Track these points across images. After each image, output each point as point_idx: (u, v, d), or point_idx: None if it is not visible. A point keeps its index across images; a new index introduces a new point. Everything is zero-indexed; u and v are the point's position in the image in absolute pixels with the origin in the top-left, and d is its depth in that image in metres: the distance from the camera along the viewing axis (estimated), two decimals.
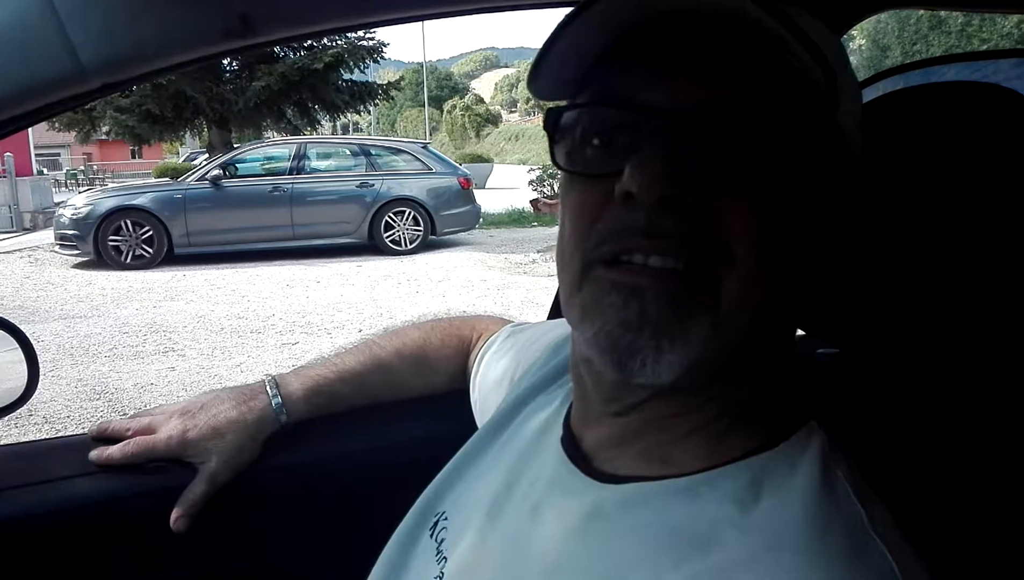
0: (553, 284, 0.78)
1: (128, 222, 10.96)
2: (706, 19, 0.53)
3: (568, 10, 0.56)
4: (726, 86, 0.53)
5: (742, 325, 0.55)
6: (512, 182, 21.25)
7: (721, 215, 0.53)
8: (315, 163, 12.17)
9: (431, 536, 0.74)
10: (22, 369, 0.99)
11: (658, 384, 0.55)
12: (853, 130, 0.60)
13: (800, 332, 0.86)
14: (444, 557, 0.70)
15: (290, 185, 11.56)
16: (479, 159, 27.64)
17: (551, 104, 0.62)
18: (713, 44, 0.53)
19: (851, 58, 0.65)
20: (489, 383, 0.97)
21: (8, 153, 16.85)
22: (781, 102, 0.53)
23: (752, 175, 0.53)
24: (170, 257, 11.09)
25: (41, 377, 1.02)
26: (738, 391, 0.59)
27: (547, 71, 0.59)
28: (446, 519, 0.74)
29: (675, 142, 0.53)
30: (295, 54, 17.21)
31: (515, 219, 15.50)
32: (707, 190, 0.53)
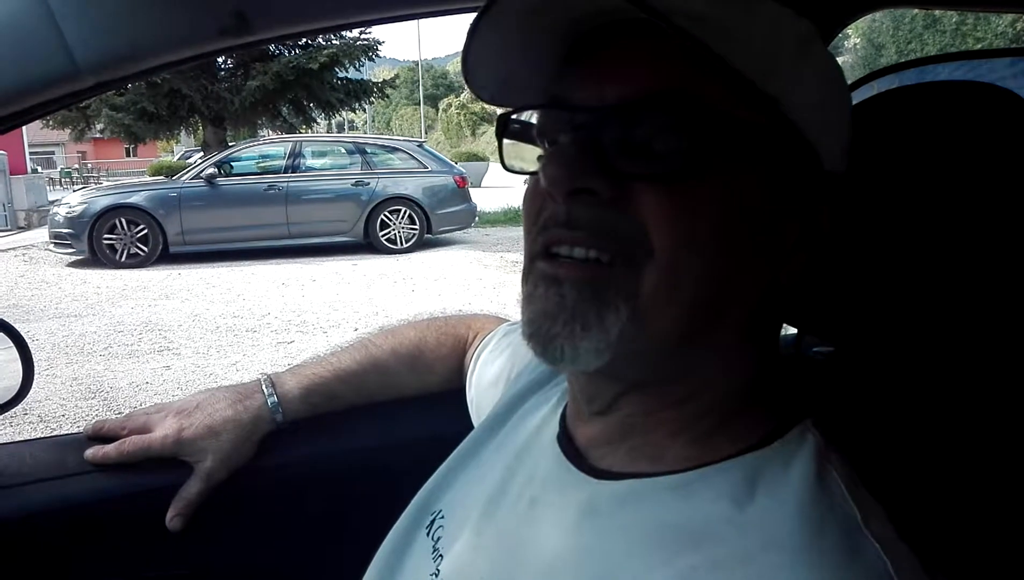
0: None
1: (123, 220, 10.93)
2: (632, 22, 0.55)
3: None
4: (650, 81, 0.54)
5: (673, 315, 0.55)
6: (508, 181, 21.16)
7: (639, 206, 0.54)
8: (310, 161, 12.14)
9: (427, 534, 0.74)
10: (17, 368, 0.99)
11: (580, 370, 0.57)
12: (819, 124, 0.58)
13: (794, 330, 0.86)
14: (440, 555, 0.70)
15: (285, 184, 11.53)
16: (475, 157, 27.61)
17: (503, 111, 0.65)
18: (643, 43, 0.55)
19: (845, 57, 0.66)
20: (485, 382, 0.97)
21: (2, 151, 16.81)
22: (703, 94, 0.54)
23: (669, 165, 0.53)
24: (165, 255, 11.06)
25: (36, 376, 1.02)
26: (715, 389, 0.59)
27: (484, 79, 0.63)
28: (442, 517, 0.75)
29: (594, 135, 0.55)
30: (290, 52, 17.17)
31: (511, 217, 15.48)
32: (625, 182, 0.54)
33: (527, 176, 0.63)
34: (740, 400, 0.60)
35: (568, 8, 0.55)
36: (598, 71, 0.57)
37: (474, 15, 0.56)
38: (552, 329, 0.55)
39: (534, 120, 0.62)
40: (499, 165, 0.67)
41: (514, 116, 0.64)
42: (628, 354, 0.55)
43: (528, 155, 0.63)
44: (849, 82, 0.69)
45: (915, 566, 0.51)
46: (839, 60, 0.66)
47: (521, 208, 0.62)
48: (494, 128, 0.65)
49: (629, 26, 0.55)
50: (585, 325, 0.54)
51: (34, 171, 23.22)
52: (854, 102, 0.67)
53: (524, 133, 0.64)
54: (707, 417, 0.59)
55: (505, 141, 0.65)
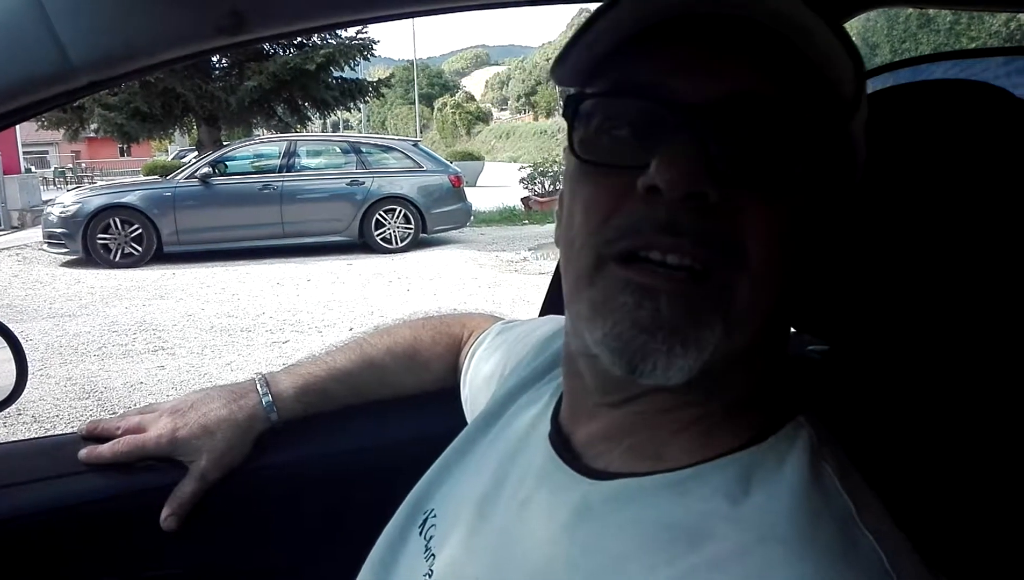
0: (544, 282, 0.78)
1: (117, 220, 10.91)
2: (737, 19, 0.52)
3: (561, 7, 0.56)
4: (753, 80, 0.52)
5: (752, 329, 0.55)
6: (503, 180, 21.23)
7: (740, 215, 0.52)
8: (305, 161, 12.14)
9: (420, 534, 0.74)
10: (10, 368, 0.99)
11: (668, 386, 0.55)
12: (861, 140, 0.60)
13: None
14: (433, 554, 0.70)
15: (280, 183, 11.52)
16: (470, 157, 27.60)
17: (567, 92, 0.60)
18: (739, 35, 0.52)
19: None
20: (479, 380, 0.97)
21: None
22: (805, 101, 0.53)
23: (773, 176, 0.53)
24: (159, 255, 11.04)
25: (30, 376, 1.01)
26: (734, 389, 0.59)
27: (574, 57, 0.57)
28: (435, 516, 0.74)
29: (701, 136, 0.52)
30: (286, 52, 17.14)
31: (506, 217, 15.50)
32: (729, 188, 0.52)
33: (600, 167, 0.57)
34: (745, 398, 0.60)
35: None
36: (696, 58, 0.53)
37: (467, 13, 0.56)
38: (649, 344, 0.52)
39: (615, 103, 0.57)
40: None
41: (595, 99, 0.58)
42: (710, 367, 0.54)
43: (609, 144, 0.57)
44: None
45: (911, 558, 0.52)
46: None
47: (571, 203, 0.59)
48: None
49: (718, 23, 0.53)
50: (684, 342, 0.52)
51: (28, 171, 23.14)
52: None
53: (609, 119, 0.57)
54: (715, 412, 0.59)
55: (580, 126, 0.59)
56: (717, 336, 0.52)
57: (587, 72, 0.58)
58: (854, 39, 0.53)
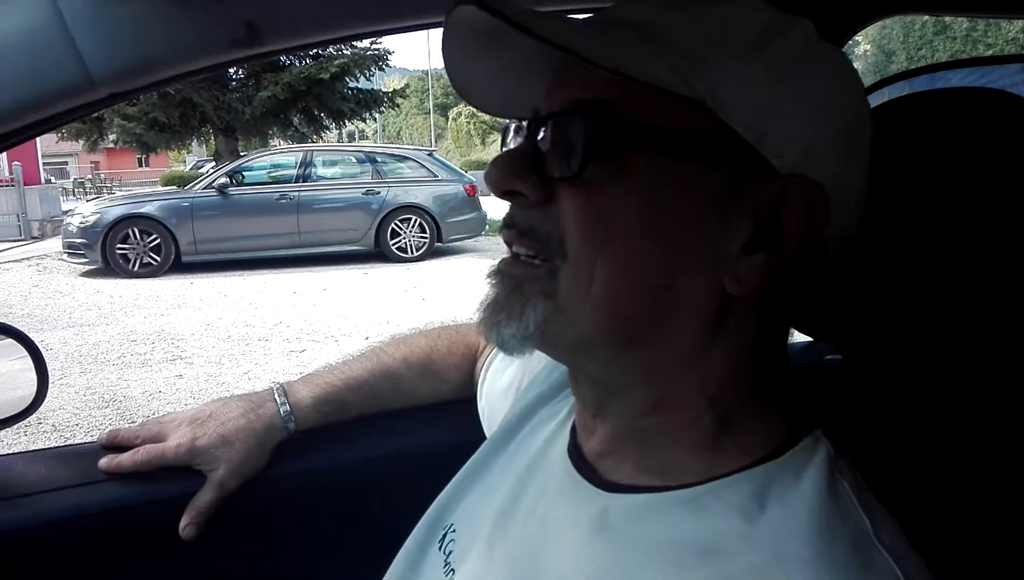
0: None
1: (136, 230, 10.99)
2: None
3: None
4: (580, 92, 0.57)
5: (594, 313, 0.56)
6: None
7: (559, 209, 0.57)
8: (321, 171, 12.19)
9: (440, 548, 0.74)
10: (31, 377, 0.99)
11: (508, 353, 0.61)
12: (767, 124, 0.55)
13: (806, 338, 0.86)
14: (452, 569, 0.70)
15: (296, 193, 11.58)
16: (484, 166, 27.49)
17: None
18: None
19: (856, 64, 0.64)
20: (496, 392, 0.97)
21: (16, 162, 16.93)
22: (623, 103, 0.55)
23: (581, 169, 0.55)
24: (177, 265, 11.11)
25: (50, 385, 1.02)
26: (693, 397, 0.58)
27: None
28: (454, 531, 0.74)
29: (532, 139, 0.59)
30: (301, 63, 17.25)
31: None
32: (551, 186, 0.57)
33: None
34: (737, 410, 0.59)
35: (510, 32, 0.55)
36: (556, 86, 0.60)
37: None
38: (488, 317, 0.60)
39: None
40: None
41: (513, 127, 0.66)
42: (560, 345, 0.60)
43: None
44: None
45: (928, 577, 0.51)
46: None
47: None
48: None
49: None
50: (508, 315, 0.58)
51: (48, 181, 23.39)
52: None
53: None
54: (701, 427, 0.58)
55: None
56: (539, 315, 0.57)
57: (506, 106, 0.67)
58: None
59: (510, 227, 0.60)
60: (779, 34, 0.57)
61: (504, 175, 0.59)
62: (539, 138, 0.59)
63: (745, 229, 0.56)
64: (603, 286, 0.56)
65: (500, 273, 0.61)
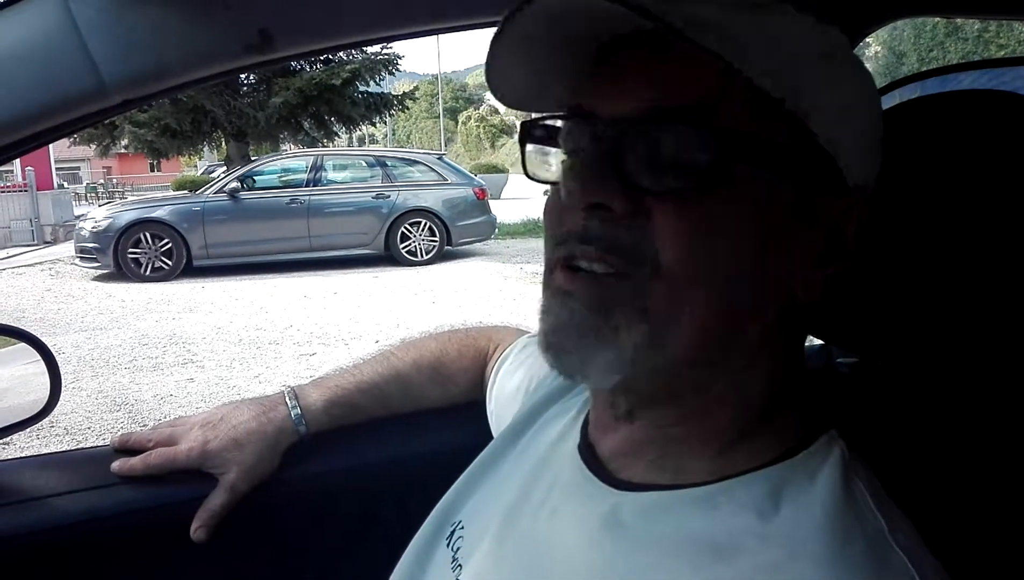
0: None
1: (147, 234, 11.06)
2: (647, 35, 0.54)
3: None
4: (671, 94, 0.54)
5: (687, 333, 0.54)
6: (527, 192, 21.24)
7: (651, 222, 0.53)
8: (332, 175, 12.24)
9: (447, 545, 0.74)
10: (44, 381, 1.00)
11: (594, 385, 0.58)
12: (843, 139, 0.56)
13: (818, 341, 0.86)
14: (460, 565, 0.70)
15: (307, 197, 11.63)
16: (494, 169, 27.65)
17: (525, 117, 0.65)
18: (663, 55, 0.54)
19: (866, 65, 0.64)
20: (506, 394, 0.97)
21: (29, 167, 17.07)
22: (720, 109, 0.53)
23: (680, 181, 0.53)
24: (189, 269, 11.17)
25: (63, 389, 1.03)
26: (731, 405, 0.58)
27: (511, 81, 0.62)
28: (462, 528, 0.75)
29: (613, 149, 0.54)
30: (312, 68, 17.31)
31: (530, 229, 15.48)
32: (641, 197, 0.54)
33: (548, 186, 0.62)
34: (760, 414, 0.59)
35: (589, 17, 0.54)
36: (619, 82, 0.56)
37: (491, 28, 0.57)
38: (566, 343, 0.56)
39: (559, 125, 0.61)
40: (520, 175, 0.67)
41: (539, 123, 0.63)
42: (642, 371, 0.55)
43: (551, 163, 0.63)
44: None
45: (943, 578, 0.51)
46: None
47: (542, 218, 0.62)
48: (516, 136, 0.64)
49: (651, 36, 0.54)
50: (598, 340, 0.54)
51: (60, 186, 23.50)
52: None
53: (548, 140, 0.63)
54: (725, 433, 0.58)
55: (528, 148, 0.64)
56: (636, 336, 0.53)
57: (527, 97, 0.64)
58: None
59: (587, 242, 0.55)
60: (843, 49, 0.57)
61: (590, 187, 0.54)
62: (619, 143, 0.54)
63: (816, 244, 0.57)
64: (701, 306, 0.54)
65: (570, 293, 0.55)
